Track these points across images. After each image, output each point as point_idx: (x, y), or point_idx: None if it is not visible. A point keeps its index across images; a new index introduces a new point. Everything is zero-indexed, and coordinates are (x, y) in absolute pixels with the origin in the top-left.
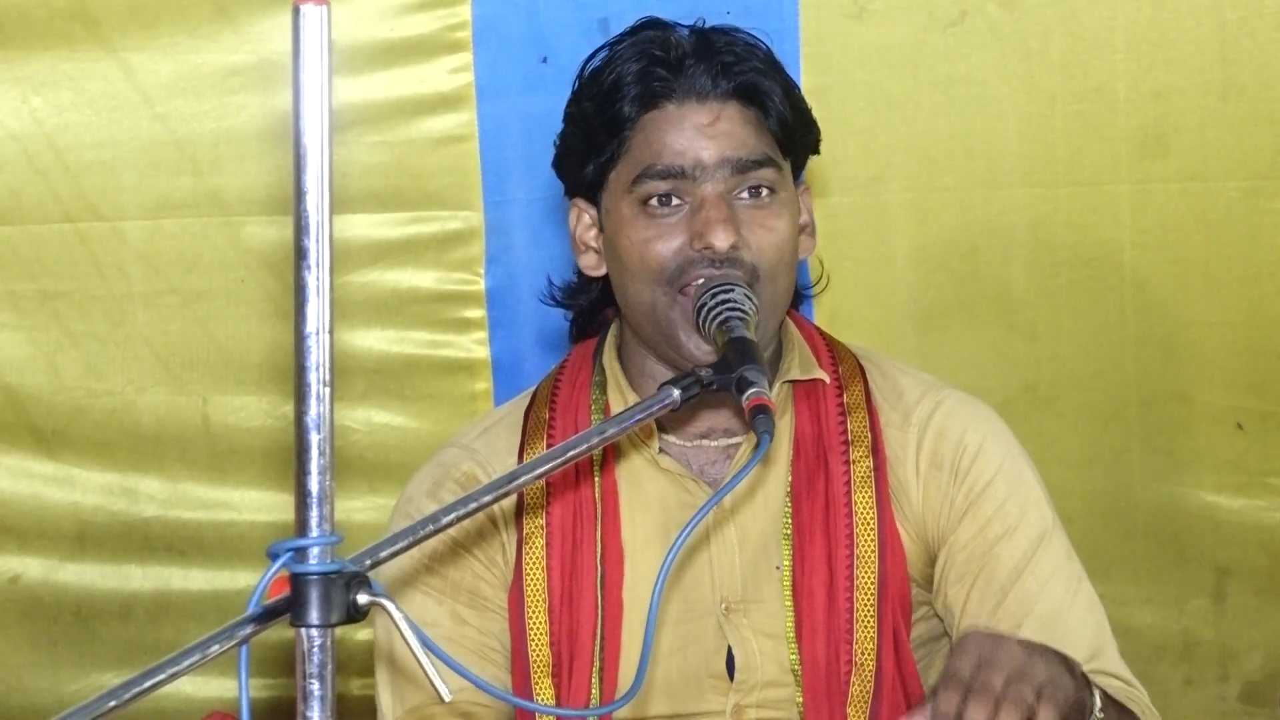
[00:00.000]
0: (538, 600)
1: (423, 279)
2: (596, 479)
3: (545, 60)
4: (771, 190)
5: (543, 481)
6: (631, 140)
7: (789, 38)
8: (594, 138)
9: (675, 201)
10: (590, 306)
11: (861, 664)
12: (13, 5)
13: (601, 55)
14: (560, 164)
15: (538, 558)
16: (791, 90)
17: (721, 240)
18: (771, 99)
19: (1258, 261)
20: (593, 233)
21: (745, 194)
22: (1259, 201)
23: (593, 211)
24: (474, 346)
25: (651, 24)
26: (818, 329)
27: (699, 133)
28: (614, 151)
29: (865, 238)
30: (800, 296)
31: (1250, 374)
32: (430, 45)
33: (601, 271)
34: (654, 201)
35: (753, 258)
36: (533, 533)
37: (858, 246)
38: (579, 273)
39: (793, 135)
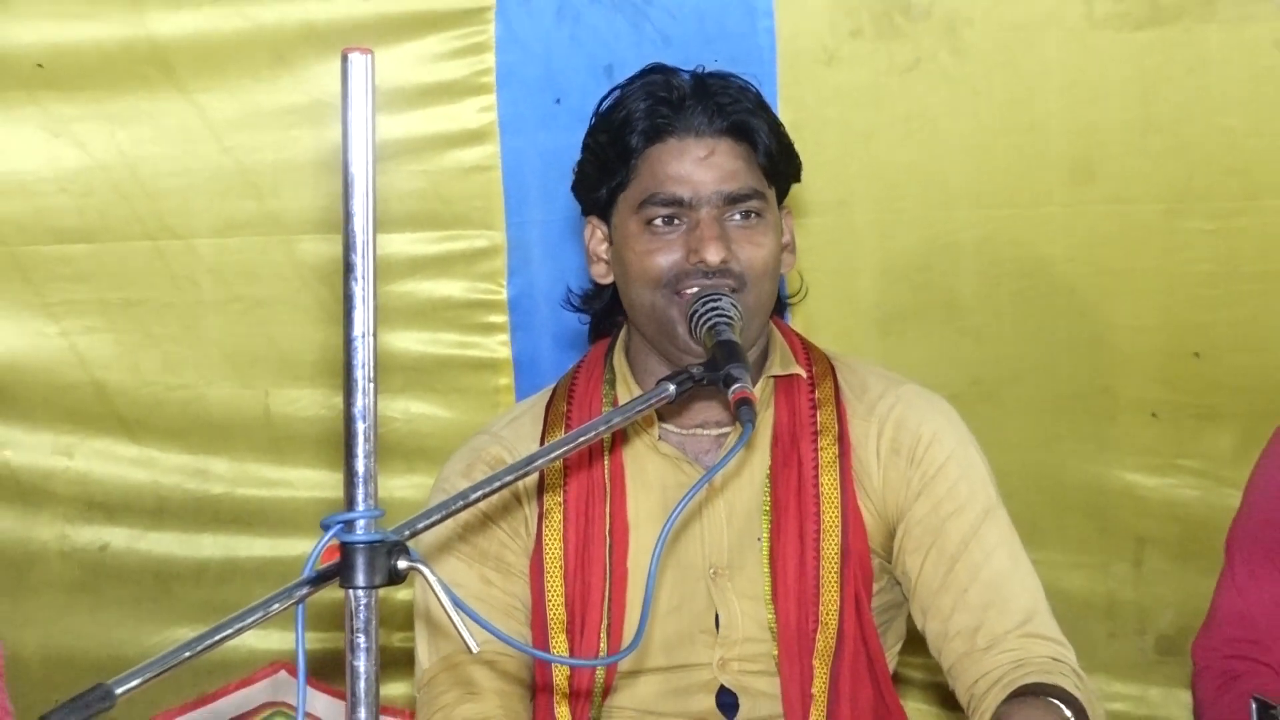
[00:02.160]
0: (555, 567)
1: (453, 289)
2: (606, 462)
3: (558, 101)
4: (759, 215)
5: (561, 464)
6: (638, 168)
7: (768, 81)
8: (606, 165)
9: (675, 222)
10: (604, 311)
11: (826, 623)
12: (100, 53)
13: (614, 95)
14: (578, 187)
15: (555, 530)
16: (777, 128)
17: (713, 255)
18: (759, 135)
19: (1172, 274)
20: (604, 246)
21: (736, 216)
22: (1174, 221)
23: (604, 228)
24: (497, 347)
25: (658, 69)
26: (796, 333)
27: (696, 164)
28: (623, 177)
29: (834, 253)
30: (782, 305)
31: (1165, 370)
32: (459, 88)
33: (610, 280)
34: (657, 222)
35: (741, 268)
36: (551, 509)
37: (828, 260)
38: (594, 281)
39: (777, 166)
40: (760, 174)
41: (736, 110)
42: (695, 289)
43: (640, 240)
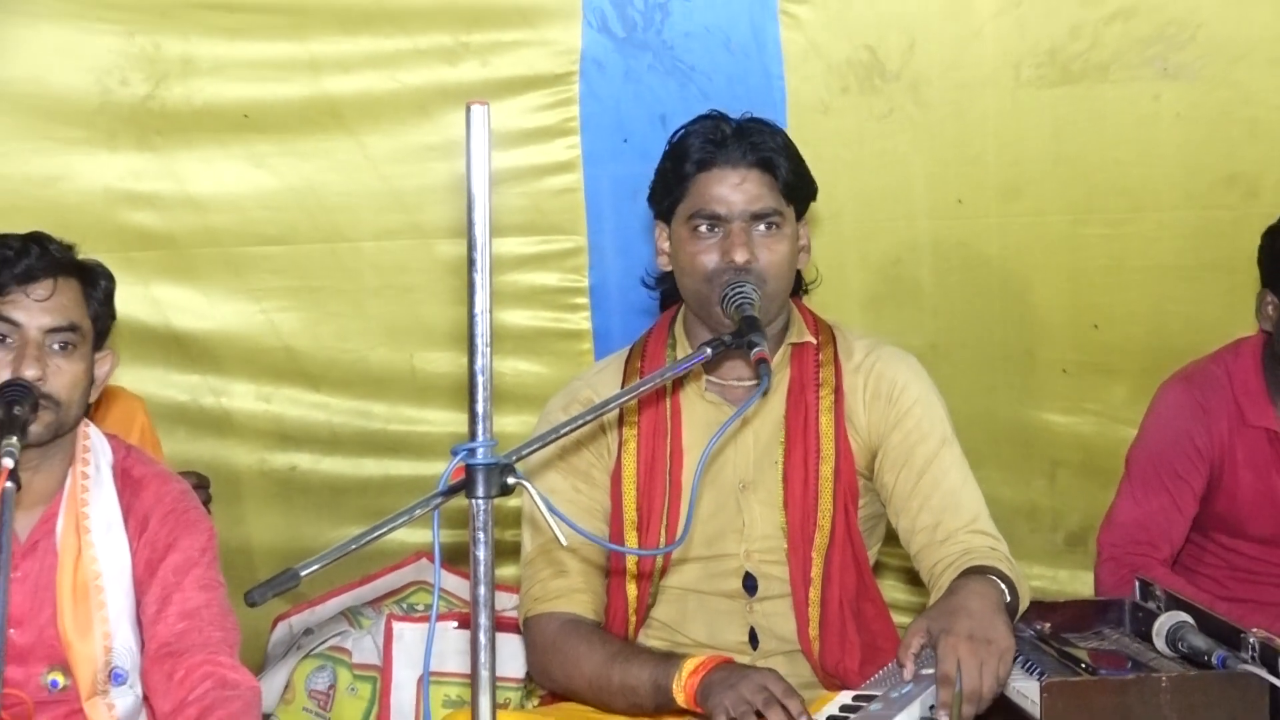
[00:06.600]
0: (630, 482)
1: (548, 279)
2: (668, 404)
3: (626, 141)
4: (778, 226)
5: (636, 405)
6: (690, 189)
7: (780, 126)
8: (669, 185)
9: (715, 230)
10: (670, 290)
11: (822, 526)
12: (287, 108)
13: (680, 133)
14: (650, 199)
15: (631, 454)
16: (797, 162)
17: (740, 257)
18: (780, 169)
19: (1078, 268)
20: (667, 244)
21: (761, 227)
22: (1078, 229)
23: (667, 230)
24: (581, 322)
25: (712, 115)
26: (809, 310)
27: (732, 189)
28: (680, 194)
29: (829, 252)
30: (805, 291)
31: (1073, 338)
32: (553, 131)
33: (669, 268)
34: (702, 229)
35: (761, 268)
36: (628, 438)
37: (825, 258)
38: (659, 269)
39: (794, 191)
40: (780, 196)
41: (765, 149)
42: (726, 279)
43: (690, 243)
